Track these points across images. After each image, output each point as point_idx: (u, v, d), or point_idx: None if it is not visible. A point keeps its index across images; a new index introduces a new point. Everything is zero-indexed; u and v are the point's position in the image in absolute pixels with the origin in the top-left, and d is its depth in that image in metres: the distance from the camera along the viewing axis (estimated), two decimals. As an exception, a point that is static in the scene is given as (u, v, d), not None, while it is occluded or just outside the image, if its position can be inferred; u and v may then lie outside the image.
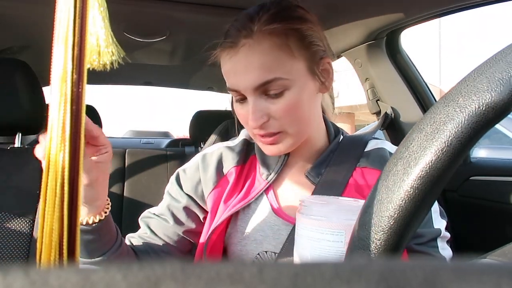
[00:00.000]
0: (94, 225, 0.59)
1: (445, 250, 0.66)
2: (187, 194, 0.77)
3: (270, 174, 0.73)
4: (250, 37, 0.62)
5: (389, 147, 0.75)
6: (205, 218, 0.77)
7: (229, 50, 0.64)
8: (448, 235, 0.69)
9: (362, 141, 0.76)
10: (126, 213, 1.19)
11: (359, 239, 0.31)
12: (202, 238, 0.74)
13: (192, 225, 0.76)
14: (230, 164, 0.76)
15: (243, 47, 0.62)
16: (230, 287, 0.12)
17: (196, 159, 0.81)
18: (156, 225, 0.77)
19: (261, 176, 0.74)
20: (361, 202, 0.48)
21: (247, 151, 0.79)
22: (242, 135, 0.82)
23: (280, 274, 0.13)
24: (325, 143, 0.76)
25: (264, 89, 0.63)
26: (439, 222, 0.68)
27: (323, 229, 0.48)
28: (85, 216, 0.59)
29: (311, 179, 0.71)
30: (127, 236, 0.78)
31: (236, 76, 0.64)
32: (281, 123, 0.65)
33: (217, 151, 0.80)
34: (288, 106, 0.63)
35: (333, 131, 0.78)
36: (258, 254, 0.70)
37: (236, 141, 0.81)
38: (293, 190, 0.74)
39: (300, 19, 0.66)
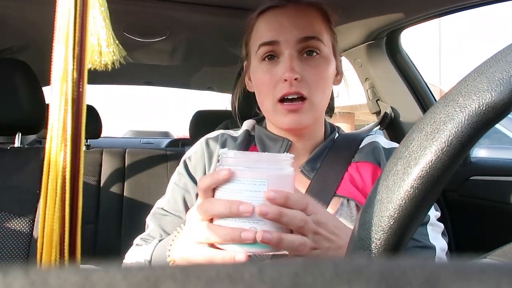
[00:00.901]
0: None
1: (437, 240, 0.63)
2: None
3: None
4: (297, 3, 0.69)
5: (382, 140, 0.75)
6: None
7: (275, 9, 0.69)
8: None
9: (357, 138, 0.77)
10: (126, 213, 1.19)
11: (359, 239, 0.31)
12: None
13: None
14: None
15: (292, 6, 0.69)
16: (230, 287, 0.12)
17: (200, 145, 0.79)
18: (171, 224, 0.71)
19: None
20: (285, 155, 0.46)
21: (248, 142, 0.79)
22: (245, 126, 0.82)
23: (280, 274, 0.13)
24: (321, 139, 0.77)
25: (304, 46, 0.67)
26: (437, 240, 0.64)
27: (245, 179, 0.44)
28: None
29: (306, 173, 0.71)
30: (135, 241, 0.74)
31: (281, 28, 0.67)
32: (310, 88, 0.66)
33: (221, 138, 0.78)
34: (319, 71, 0.68)
35: (329, 128, 0.79)
36: (254, 255, 0.69)
37: (239, 132, 0.81)
38: None
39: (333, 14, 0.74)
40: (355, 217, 0.66)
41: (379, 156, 0.72)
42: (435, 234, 0.64)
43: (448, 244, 0.66)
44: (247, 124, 0.82)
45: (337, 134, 0.79)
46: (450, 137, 0.26)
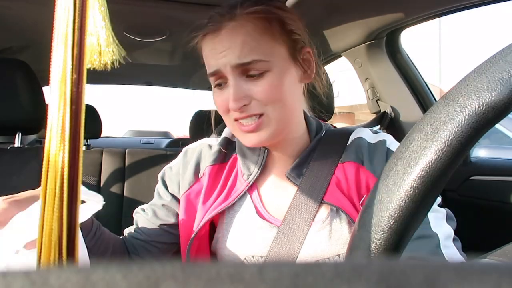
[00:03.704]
0: None
1: (440, 227, 0.59)
2: (171, 194, 0.78)
3: (251, 174, 0.71)
4: (233, 19, 0.63)
5: (367, 135, 0.72)
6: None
7: (212, 33, 0.64)
8: (443, 210, 0.63)
9: (344, 135, 0.73)
10: (126, 213, 1.19)
11: (359, 239, 0.31)
12: (183, 244, 0.73)
13: (171, 220, 0.77)
14: (205, 164, 0.76)
15: (226, 28, 0.63)
16: (230, 287, 0.12)
17: (180, 155, 0.81)
18: (142, 220, 0.79)
19: (243, 176, 0.72)
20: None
21: (229, 150, 0.77)
22: (224, 133, 0.80)
23: (281, 274, 0.13)
24: (306, 142, 0.74)
25: (246, 69, 0.62)
26: (440, 227, 0.59)
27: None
28: None
29: (292, 180, 0.69)
30: (124, 231, 0.81)
31: (218, 55, 0.63)
32: (263, 105, 0.63)
33: (199, 147, 0.79)
34: (270, 87, 0.63)
35: (314, 129, 0.75)
36: (245, 259, 0.69)
37: (218, 139, 0.80)
38: (277, 191, 0.72)
39: (280, 8, 0.67)
40: (345, 226, 0.65)
41: (362, 154, 0.68)
42: (438, 221, 0.61)
43: None
44: (227, 131, 0.80)
45: (323, 132, 0.75)
46: (450, 137, 0.26)
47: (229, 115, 0.66)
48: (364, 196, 0.66)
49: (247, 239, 0.69)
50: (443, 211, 0.63)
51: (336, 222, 0.65)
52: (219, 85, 0.66)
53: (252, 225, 0.69)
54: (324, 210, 0.66)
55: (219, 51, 0.63)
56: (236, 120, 0.65)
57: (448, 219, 0.62)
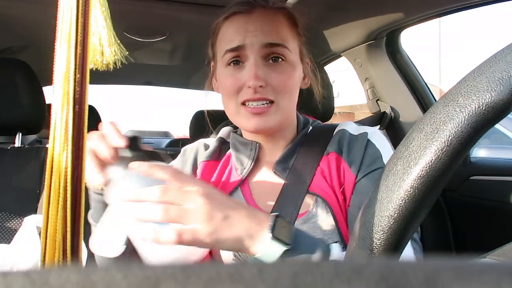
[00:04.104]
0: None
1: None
2: None
3: (244, 168, 0.73)
4: (265, 7, 0.69)
5: (351, 128, 0.73)
6: None
7: (243, 13, 0.69)
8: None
9: (331, 129, 0.75)
10: (126, 213, 1.19)
11: (359, 239, 0.31)
12: None
13: None
14: (200, 160, 0.78)
15: (259, 12, 0.68)
16: (230, 287, 0.12)
17: (180, 154, 0.83)
18: None
19: (236, 171, 0.74)
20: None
21: (222, 149, 0.80)
22: (220, 133, 0.83)
23: (280, 274, 0.13)
24: (293, 136, 0.76)
25: (269, 52, 0.67)
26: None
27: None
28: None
29: (279, 174, 0.71)
30: None
31: (247, 33, 0.66)
32: (276, 92, 0.66)
33: (196, 146, 0.82)
34: (285, 75, 0.67)
35: (302, 123, 0.77)
36: (238, 252, 0.69)
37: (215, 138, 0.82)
38: (266, 186, 0.73)
39: (303, 15, 0.74)
40: (330, 214, 0.65)
41: (343, 144, 0.70)
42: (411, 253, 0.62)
43: (448, 244, 0.66)
44: (223, 132, 0.83)
45: (310, 128, 0.77)
46: (450, 137, 0.26)
47: (237, 97, 0.68)
48: (343, 186, 0.67)
49: None
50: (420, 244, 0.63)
51: (322, 213, 0.66)
52: (234, 62, 0.68)
53: None
54: (310, 201, 0.67)
55: (250, 30, 0.67)
56: (243, 103, 0.67)
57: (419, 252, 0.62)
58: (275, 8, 0.70)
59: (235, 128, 0.83)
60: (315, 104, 0.87)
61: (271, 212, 0.68)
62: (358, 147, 0.68)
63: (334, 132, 0.74)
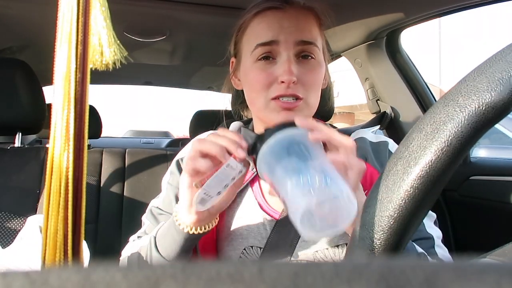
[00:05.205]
0: (203, 232, 0.61)
1: (433, 229, 0.67)
2: None
3: None
4: (298, 5, 0.71)
5: (368, 135, 0.76)
6: None
7: (277, 9, 0.69)
8: (433, 214, 0.69)
9: (345, 133, 0.76)
10: (126, 213, 1.19)
11: (359, 239, 0.31)
12: None
13: None
14: None
15: (294, 9, 0.69)
16: (230, 287, 0.12)
17: (191, 145, 0.81)
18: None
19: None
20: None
21: None
22: (231, 128, 0.81)
23: (280, 274, 0.13)
24: None
25: (301, 49, 0.67)
26: (432, 228, 0.68)
27: None
28: (201, 223, 0.60)
29: None
30: (130, 238, 0.77)
31: (281, 28, 0.67)
32: (306, 89, 0.67)
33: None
34: (314, 74, 0.69)
35: None
36: (244, 249, 0.70)
37: None
38: None
39: (329, 18, 0.76)
40: None
41: (367, 151, 0.72)
42: (430, 223, 0.68)
43: (448, 244, 0.67)
44: (233, 126, 0.81)
45: None
46: (450, 137, 0.26)
47: (267, 92, 0.68)
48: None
49: (247, 230, 0.70)
50: (433, 214, 0.69)
51: None
52: (266, 58, 0.68)
53: (252, 216, 0.71)
54: None
55: (285, 26, 0.67)
56: (274, 98, 0.67)
57: (435, 222, 0.69)
58: (306, 7, 0.71)
59: (246, 123, 0.83)
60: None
61: (282, 211, 0.69)
62: (383, 153, 0.73)
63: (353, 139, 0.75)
